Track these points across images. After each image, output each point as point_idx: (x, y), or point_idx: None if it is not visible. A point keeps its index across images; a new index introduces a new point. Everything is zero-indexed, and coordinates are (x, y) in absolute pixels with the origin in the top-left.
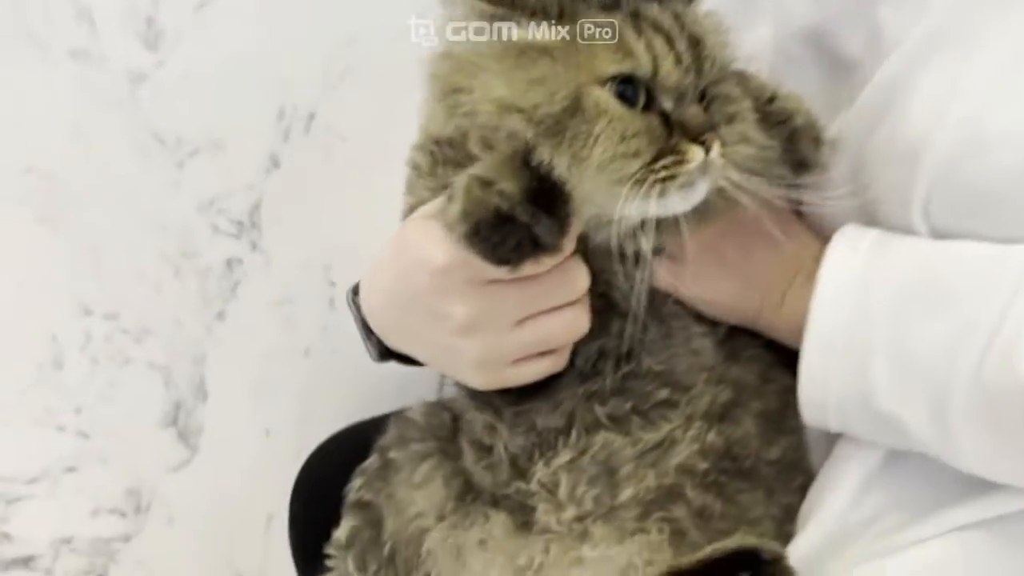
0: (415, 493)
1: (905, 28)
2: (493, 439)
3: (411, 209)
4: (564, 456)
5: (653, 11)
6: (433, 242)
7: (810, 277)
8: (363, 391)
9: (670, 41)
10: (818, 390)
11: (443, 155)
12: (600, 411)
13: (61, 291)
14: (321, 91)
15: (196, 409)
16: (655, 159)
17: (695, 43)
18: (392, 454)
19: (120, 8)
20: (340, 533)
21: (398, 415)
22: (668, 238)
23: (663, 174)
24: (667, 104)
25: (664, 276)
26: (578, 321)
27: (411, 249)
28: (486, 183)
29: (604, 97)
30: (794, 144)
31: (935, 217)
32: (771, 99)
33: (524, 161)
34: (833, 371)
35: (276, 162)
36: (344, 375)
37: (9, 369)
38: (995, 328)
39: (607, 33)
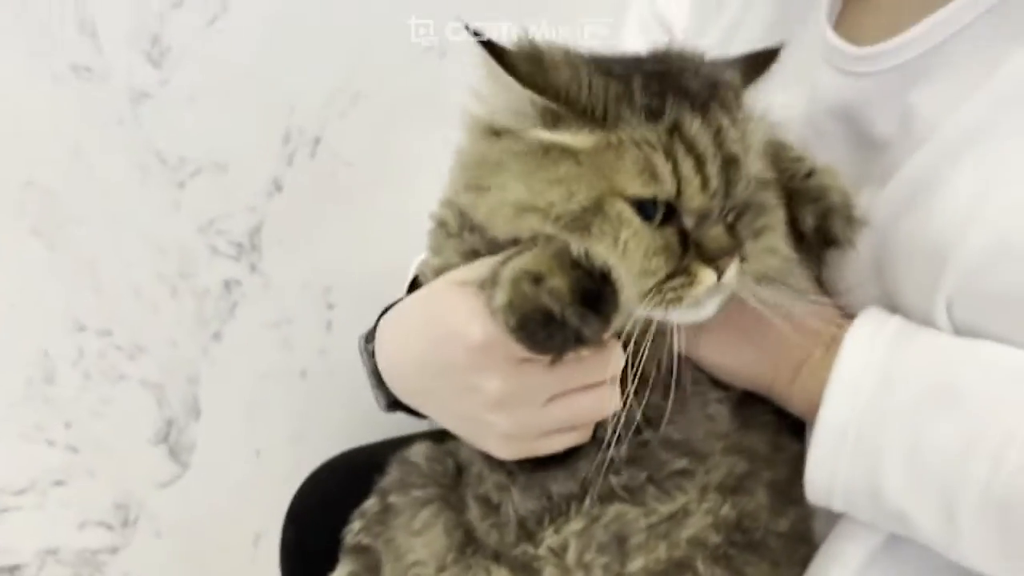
0: (414, 540)
1: (940, 117)
2: (502, 498)
3: (438, 271)
4: (576, 524)
5: (693, 127)
6: (470, 317)
7: (827, 353)
8: (358, 415)
9: (701, 164)
10: (825, 477)
11: (470, 222)
12: (615, 481)
13: (55, 306)
14: (328, 116)
15: (188, 427)
16: (668, 278)
17: (729, 164)
18: (392, 498)
19: (126, 24)
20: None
21: (401, 457)
22: None
23: (671, 295)
24: (688, 223)
25: (686, 344)
26: (610, 399)
27: (446, 320)
28: (536, 278)
29: (627, 212)
30: (826, 222)
31: (958, 316)
32: (808, 175)
33: (572, 259)
34: (842, 462)
35: (279, 185)
36: (339, 399)
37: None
38: (1009, 439)
39: (636, 153)
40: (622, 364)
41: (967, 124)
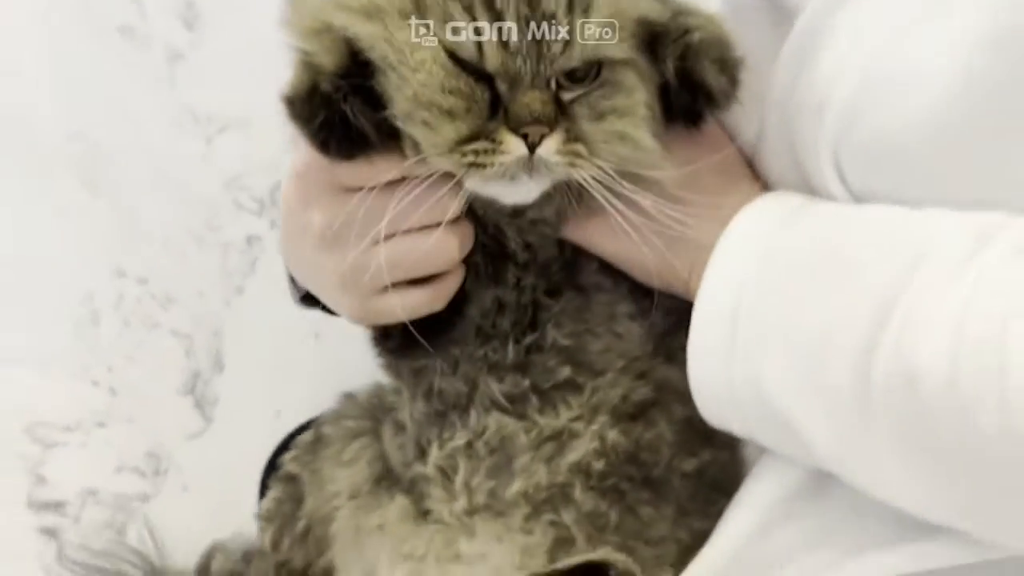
0: (339, 471)
1: None
2: (402, 411)
3: None
4: (460, 438)
5: None
6: (297, 149)
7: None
8: (370, 376)
9: (499, 18)
10: (707, 377)
11: None
12: (496, 388)
13: (99, 252)
14: None
15: (213, 380)
16: (471, 138)
17: (542, 22)
18: (325, 429)
19: None
20: (264, 504)
21: (346, 393)
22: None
23: (471, 159)
24: (501, 87)
25: (573, 229)
26: (445, 245)
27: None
28: (308, 60)
29: (431, 39)
30: (690, 66)
31: (849, 176)
32: (674, 14)
33: (349, 48)
34: (719, 354)
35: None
36: (352, 360)
37: (53, 324)
38: (888, 304)
39: (444, 5)
40: (458, 208)
41: None
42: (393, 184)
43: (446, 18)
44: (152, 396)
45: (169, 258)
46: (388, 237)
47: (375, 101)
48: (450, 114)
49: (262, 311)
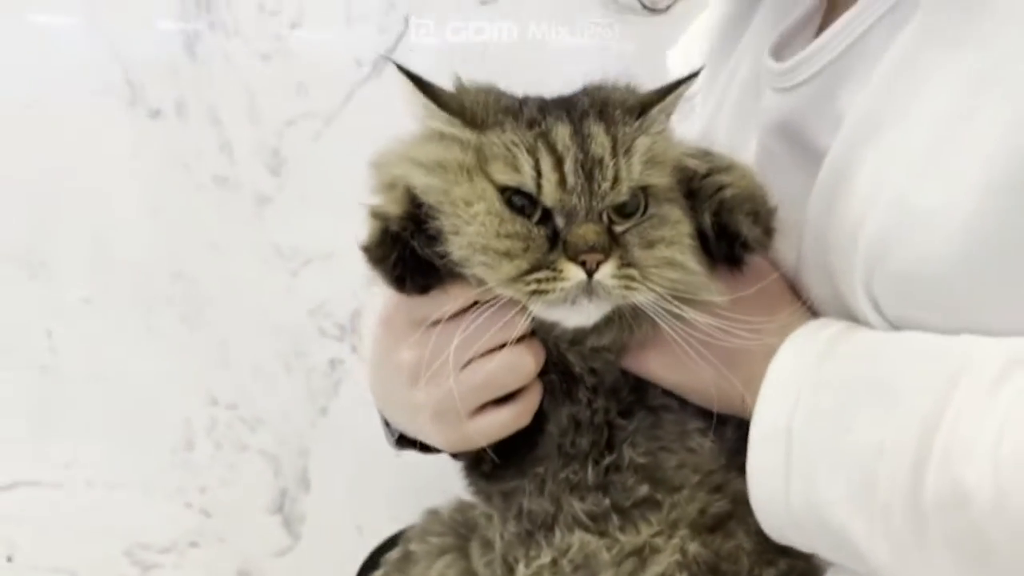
0: None
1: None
2: (491, 531)
3: None
4: (546, 556)
5: (558, 131)
6: (383, 298)
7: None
8: (449, 492)
9: (559, 162)
10: (767, 497)
11: None
12: (579, 507)
13: (195, 381)
14: None
15: (299, 498)
16: (533, 269)
17: (594, 165)
18: (413, 546)
19: (252, 140)
20: None
21: (430, 509)
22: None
23: (533, 287)
24: (559, 221)
25: (632, 361)
26: (519, 361)
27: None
28: (377, 211)
29: (490, 190)
30: (725, 220)
31: (883, 305)
32: (706, 174)
33: (411, 197)
34: (776, 477)
35: None
36: (432, 476)
37: (152, 448)
38: (931, 428)
39: (503, 148)
40: (526, 325)
41: (868, 106)
42: (473, 312)
43: (509, 161)
44: (242, 515)
45: (257, 383)
46: (470, 362)
47: (440, 239)
48: (508, 254)
49: (345, 431)
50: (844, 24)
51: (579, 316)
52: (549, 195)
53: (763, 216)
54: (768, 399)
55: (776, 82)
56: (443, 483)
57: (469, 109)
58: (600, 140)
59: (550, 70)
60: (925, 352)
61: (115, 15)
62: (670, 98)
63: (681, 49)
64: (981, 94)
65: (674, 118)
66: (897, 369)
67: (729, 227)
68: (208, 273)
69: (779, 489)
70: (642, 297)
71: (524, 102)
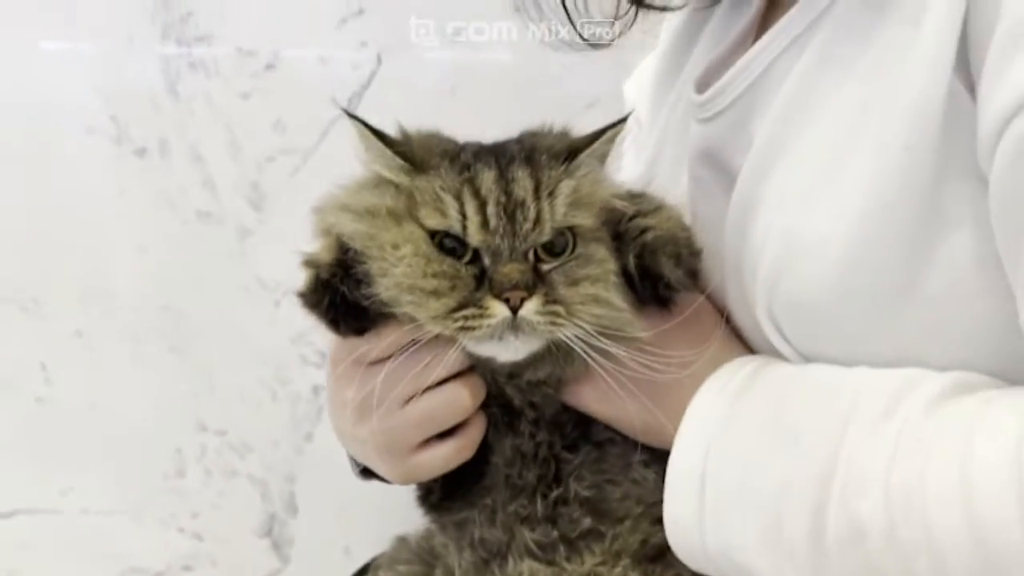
0: None
1: None
2: (451, 559)
3: None
4: None
5: (484, 177)
6: (329, 341)
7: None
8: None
9: (482, 205)
10: (682, 538)
11: None
12: (529, 537)
13: (184, 410)
14: None
15: (288, 522)
16: (460, 307)
17: (516, 208)
18: (382, 573)
19: (233, 176)
20: None
21: (401, 535)
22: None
23: (461, 323)
24: (486, 261)
25: (568, 395)
26: (456, 396)
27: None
28: (309, 259)
29: (418, 233)
30: (645, 261)
31: (786, 332)
32: (632, 217)
33: (341, 244)
34: (691, 518)
35: None
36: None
37: (145, 475)
38: (829, 465)
39: (432, 194)
40: (454, 364)
41: (764, 141)
42: (407, 350)
43: (437, 206)
44: (233, 539)
45: (244, 410)
46: (409, 399)
47: (369, 282)
48: (435, 293)
49: (330, 455)
50: (754, 55)
51: (507, 351)
52: (474, 236)
53: (685, 258)
54: (685, 439)
55: (698, 113)
56: None
57: (411, 150)
58: (523, 184)
59: (533, 89)
60: (822, 390)
61: (98, 54)
62: (598, 143)
63: (635, 80)
64: (861, 123)
65: (611, 159)
66: (798, 409)
67: (651, 269)
68: (194, 305)
69: (694, 530)
70: (568, 332)
71: (463, 147)
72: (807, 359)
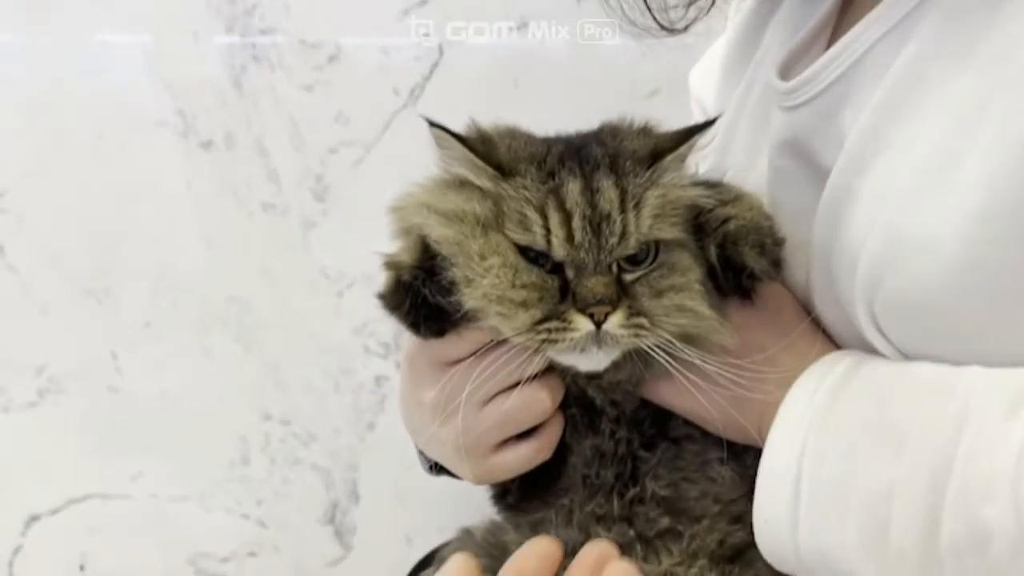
0: None
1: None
2: None
3: None
4: None
5: (569, 187)
6: (407, 339)
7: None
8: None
9: (567, 219)
10: (775, 544)
11: None
12: (605, 535)
13: (250, 399)
14: None
15: (350, 510)
16: (545, 319)
17: (602, 220)
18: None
19: (297, 168)
20: None
21: (465, 528)
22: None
23: (544, 336)
24: (570, 273)
25: (649, 390)
26: (535, 398)
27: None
28: (390, 261)
29: (505, 244)
30: (730, 252)
31: (888, 332)
32: (712, 208)
33: (424, 246)
34: (784, 523)
35: None
36: (476, 488)
37: (212, 463)
38: (943, 470)
39: (517, 207)
40: (537, 367)
41: (864, 133)
42: (488, 352)
43: (522, 220)
44: (297, 526)
45: (308, 400)
46: (489, 400)
47: (453, 288)
48: (523, 304)
49: (392, 444)
50: (847, 43)
51: (589, 362)
52: (558, 249)
53: (769, 247)
54: (777, 442)
55: (782, 101)
56: (486, 493)
57: (496, 154)
58: (608, 195)
59: (595, 78)
60: (931, 389)
61: (164, 48)
62: (683, 148)
63: (702, 68)
64: (979, 117)
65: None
66: (904, 409)
67: (734, 259)
68: (260, 296)
69: (786, 533)
70: (651, 341)
71: (549, 149)
72: (908, 357)
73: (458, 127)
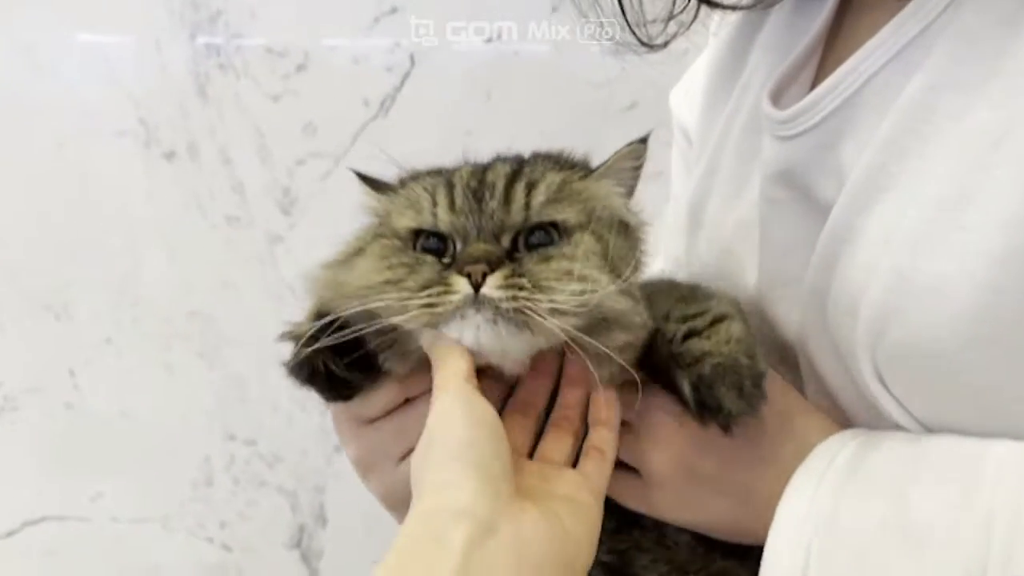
0: None
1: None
2: None
3: None
4: None
5: (460, 171)
6: None
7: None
8: None
9: (450, 190)
10: None
11: None
12: None
13: (213, 418)
14: None
15: (317, 534)
16: (424, 287)
17: (484, 189)
18: None
19: (263, 180)
20: None
21: None
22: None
23: (424, 301)
24: (457, 245)
25: (634, 501)
26: None
27: None
28: (288, 333)
29: (385, 242)
30: (702, 394)
31: (888, 379)
32: (686, 336)
33: (319, 312)
34: None
35: None
36: None
37: (173, 484)
38: (979, 571)
39: (407, 198)
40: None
41: (869, 169)
42: (401, 408)
43: (412, 205)
44: (261, 550)
45: (274, 420)
46: (405, 455)
47: (352, 347)
48: (391, 282)
49: None
50: (848, 70)
51: (473, 334)
52: (442, 218)
53: (748, 389)
54: (777, 552)
55: (776, 130)
56: None
57: (386, 183)
58: (499, 170)
59: (571, 89)
60: (953, 477)
61: (126, 56)
62: (613, 158)
63: (683, 90)
64: (995, 153)
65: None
66: (923, 503)
67: (710, 402)
68: (224, 311)
69: None
70: (536, 308)
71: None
72: (918, 420)
73: (431, 139)
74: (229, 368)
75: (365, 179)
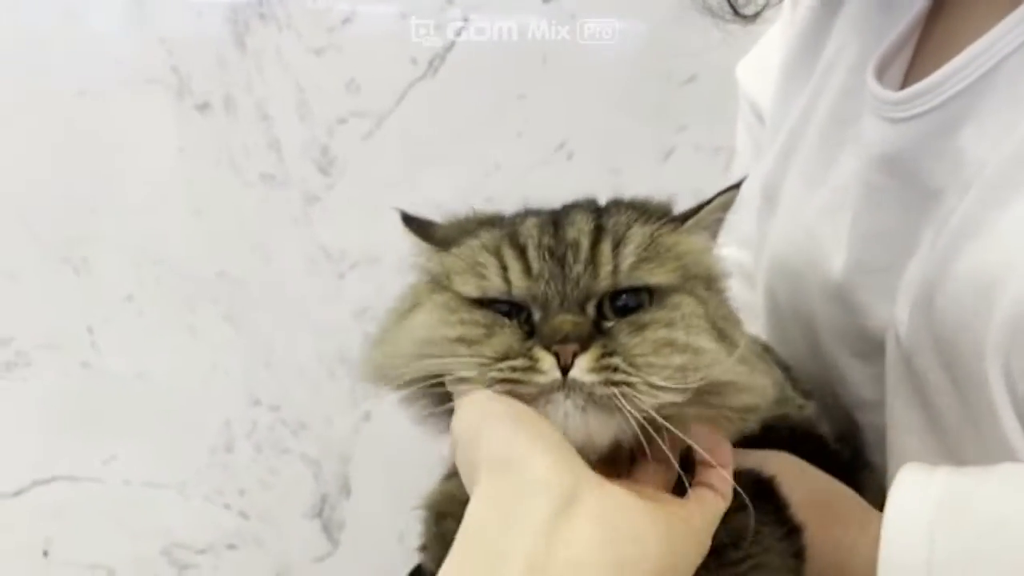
0: None
1: (989, 152)
2: None
3: None
4: None
5: (525, 225)
6: None
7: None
8: None
9: (523, 252)
10: None
11: None
12: None
13: (237, 382)
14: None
15: (340, 505)
16: (504, 357)
17: (565, 249)
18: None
19: (301, 138)
20: None
21: None
22: None
23: (505, 374)
24: (536, 314)
25: None
26: None
27: None
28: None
29: (443, 296)
30: None
31: (1016, 375)
32: None
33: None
34: None
35: None
36: None
37: (192, 448)
38: None
39: (465, 259)
40: None
41: (1010, 161)
42: None
43: (474, 268)
44: (281, 519)
45: (300, 386)
46: None
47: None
48: (462, 340)
49: (388, 438)
50: (973, 55)
51: (559, 418)
52: (518, 288)
53: None
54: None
55: (885, 111)
56: None
57: (435, 231)
58: (579, 225)
59: (607, 66)
60: None
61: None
62: (705, 211)
63: (753, 65)
64: None
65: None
66: None
67: None
68: (253, 273)
69: None
70: (631, 393)
71: (517, 214)
72: None
73: (482, 103)
74: (256, 332)
75: (410, 221)
